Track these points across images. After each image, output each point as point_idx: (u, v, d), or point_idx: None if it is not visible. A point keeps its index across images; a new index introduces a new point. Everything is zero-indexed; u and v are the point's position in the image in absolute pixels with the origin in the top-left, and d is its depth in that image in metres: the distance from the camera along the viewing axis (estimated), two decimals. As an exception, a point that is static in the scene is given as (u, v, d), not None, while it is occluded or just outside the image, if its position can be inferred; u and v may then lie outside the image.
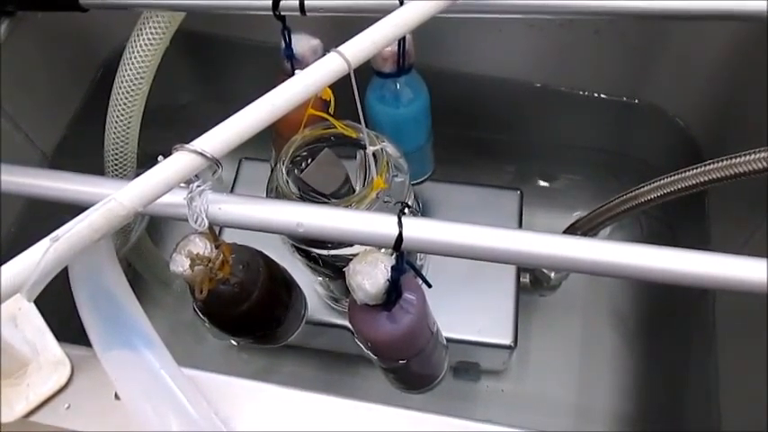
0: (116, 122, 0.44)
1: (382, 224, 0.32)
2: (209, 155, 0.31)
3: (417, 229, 0.32)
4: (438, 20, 0.36)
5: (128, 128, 0.44)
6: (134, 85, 0.43)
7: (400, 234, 0.31)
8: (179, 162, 0.30)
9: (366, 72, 0.48)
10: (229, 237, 0.59)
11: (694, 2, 0.37)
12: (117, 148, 0.46)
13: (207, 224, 0.33)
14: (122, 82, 0.43)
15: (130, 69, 0.43)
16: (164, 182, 0.30)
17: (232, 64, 0.65)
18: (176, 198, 0.33)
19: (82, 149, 0.52)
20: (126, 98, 0.43)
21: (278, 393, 0.33)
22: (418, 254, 0.54)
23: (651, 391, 0.65)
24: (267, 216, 0.33)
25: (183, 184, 0.33)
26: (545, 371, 0.66)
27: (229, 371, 0.63)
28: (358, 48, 0.33)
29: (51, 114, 0.57)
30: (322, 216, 0.32)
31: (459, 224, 0.32)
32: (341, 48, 0.33)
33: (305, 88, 0.32)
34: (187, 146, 0.31)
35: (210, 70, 0.68)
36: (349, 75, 0.33)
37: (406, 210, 0.34)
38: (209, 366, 0.63)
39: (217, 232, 0.59)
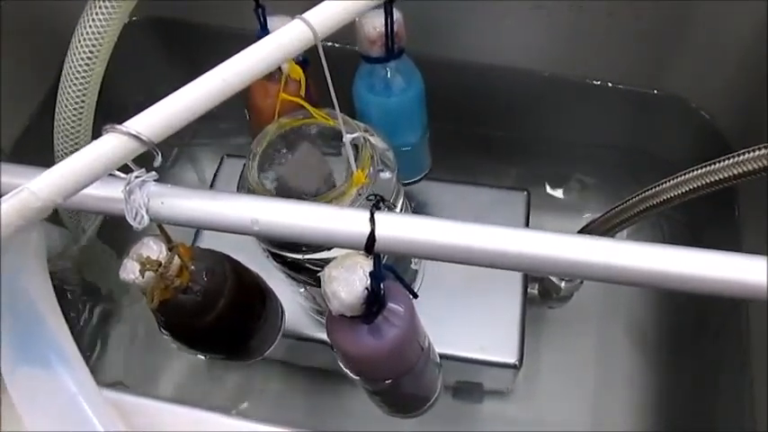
0: (66, 111, 0.40)
1: (351, 221, 0.27)
2: (145, 138, 0.26)
3: (395, 228, 0.27)
4: (434, 1, 0.31)
5: (79, 118, 0.40)
6: (86, 65, 0.38)
7: (372, 233, 0.26)
8: (108, 146, 0.26)
9: (355, 59, 0.44)
10: (207, 243, 0.54)
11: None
12: (67, 142, 0.42)
13: (147, 221, 0.28)
14: (73, 63, 0.39)
15: (83, 47, 0.38)
16: (89, 170, 0.26)
17: (213, 53, 0.60)
18: (112, 191, 0.29)
19: (43, 147, 0.48)
20: (78, 81, 0.39)
21: (214, 421, 0.28)
22: (412, 259, 0.49)
23: (674, 414, 0.59)
24: (217, 211, 0.28)
25: (123, 175, 0.29)
26: (555, 392, 0.60)
27: (199, 388, 0.59)
28: (326, 14, 0.28)
29: (10, 109, 0.53)
30: (281, 212, 0.27)
31: (445, 221, 0.27)
32: (306, 14, 0.28)
33: (261, 60, 0.28)
34: (119, 126, 0.26)
35: (191, 61, 0.63)
36: (325, 55, 0.29)
37: (382, 204, 0.28)
38: (176, 383, 0.58)
39: (193, 237, 0.55)
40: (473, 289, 0.52)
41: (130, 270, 0.34)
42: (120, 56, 0.42)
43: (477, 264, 0.27)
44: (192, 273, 0.36)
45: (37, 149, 0.54)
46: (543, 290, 0.54)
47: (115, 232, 0.55)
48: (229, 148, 0.60)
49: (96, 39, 0.39)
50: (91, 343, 0.57)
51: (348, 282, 0.32)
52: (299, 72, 0.34)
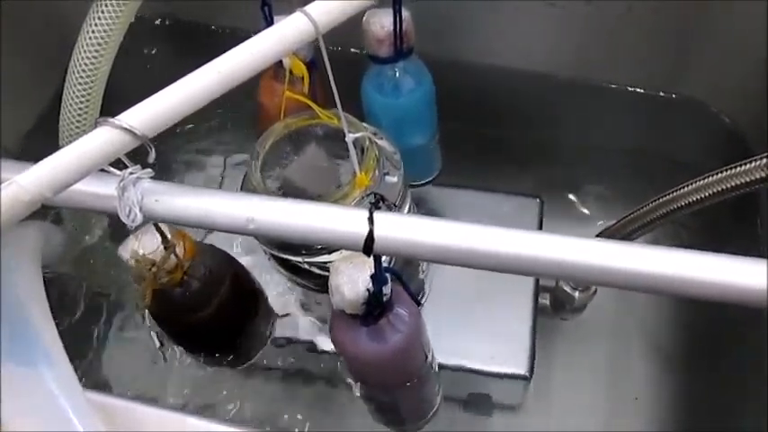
0: (71, 110, 0.39)
1: (349, 221, 0.25)
2: (138, 132, 0.25)
3: (395, 228, 0.25)
4: (445, 1, 0.30)
5: (84, 118, 0.39)
6: (92, 64, 0.38)
7: (371, 233, 0.25)
8: (100, 139, 0.25)
9: (364, 63, 0.43)
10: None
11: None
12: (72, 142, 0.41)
13: (140, 219, 0.27)
14: (79, 62, 0.38)
15: (88, 46, 0.38)
16: (79, 164, 0.25)
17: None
18: (106, 188, 0.28)
19: (49, 147, 0.48)
20: (83, 81, 0.38)
21: (200, 425, 0.27)
22: (420, 265, 0.47)
23: (690, 430, 0.56)
24: (212, 210, 0.27)
25: (117, 171, 0.28)
26: (567, 406, 0.58)
27: (198, 393, 0.57)
28: (328, 7, 0.28)
29: (17, 109, 0.53)
30: (277, 211, 0.26)
31: (447, 222, 0.26)
32: (308, 7, 0.28)
33: (260, 53, 0.26)
34: (112, 120, 0.25)
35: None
36: (333, 58, 0.28)
37: (382, 204, 0.27)
38: (176, 388, 0.57)
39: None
40: (482, 298, 0.50)
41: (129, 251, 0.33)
42: (126, 55, 0.41)
43: (483, 267, 0.26)
44: (188, 270, 0.35)
45: (43, 150, 0.54)
46: (555, 300, 0.53)
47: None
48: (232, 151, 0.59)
49: (102, 38, 0.38)
50: (90, 345, 0.56)
51: (352, 278, 0.31)
52: (301, 68, 0.33)
